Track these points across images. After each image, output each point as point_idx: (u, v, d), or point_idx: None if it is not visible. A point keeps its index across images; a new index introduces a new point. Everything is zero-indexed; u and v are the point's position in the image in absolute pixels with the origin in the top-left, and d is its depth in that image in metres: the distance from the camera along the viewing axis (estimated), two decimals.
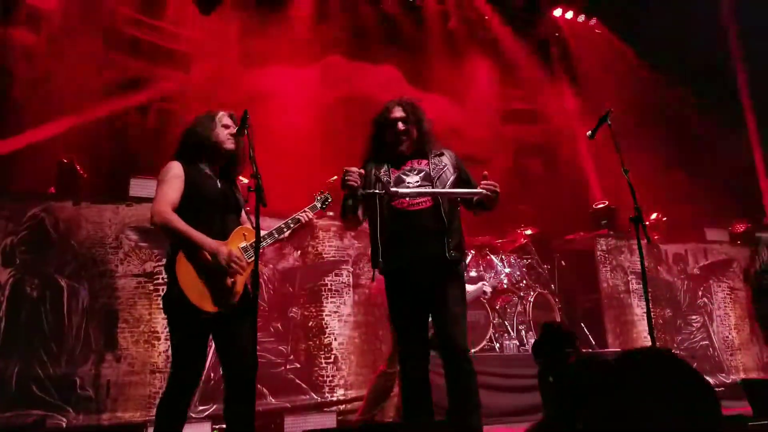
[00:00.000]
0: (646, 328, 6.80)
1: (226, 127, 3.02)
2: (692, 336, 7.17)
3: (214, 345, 3.05)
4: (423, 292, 2.92)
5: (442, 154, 3.12)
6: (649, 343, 6.71)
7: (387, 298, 3.05)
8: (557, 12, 8.79)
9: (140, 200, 4.64)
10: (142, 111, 6.70)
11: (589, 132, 3.61)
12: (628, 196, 3.45)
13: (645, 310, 6.86)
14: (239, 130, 2.84)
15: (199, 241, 2.81)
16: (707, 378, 5.02)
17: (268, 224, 3.00)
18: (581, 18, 8.75)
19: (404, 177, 3.00)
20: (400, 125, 3.09)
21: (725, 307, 7.41)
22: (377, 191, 2.88)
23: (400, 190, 2.88)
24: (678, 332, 7.10)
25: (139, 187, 4.72)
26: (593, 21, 8.84)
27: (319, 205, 3.31)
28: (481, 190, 2.91)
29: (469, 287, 4.22)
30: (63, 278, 4.38)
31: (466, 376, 2.82)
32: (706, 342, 7.22)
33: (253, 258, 2.90)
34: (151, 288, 4.37)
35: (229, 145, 3.00)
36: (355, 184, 2.90)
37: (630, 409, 1.08)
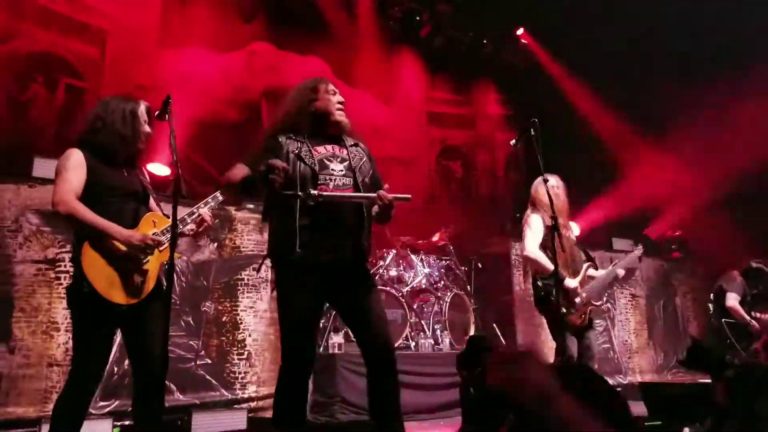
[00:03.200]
0: None
1: (143, 114, 2.89)
2: (596, 339, 7.54)
3: (120, 339, 2.93)
4: (336, 287, 2.73)
5: (357, 145, 2.95)
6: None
7: (286, 290, 2.72)
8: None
9: (44, 181, 4.32)
10: (49, 86, 6.26)
11: (513, 140, 3.73)
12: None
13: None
14: (160, 115, 2.70)
15: (108, 230, 2.69)
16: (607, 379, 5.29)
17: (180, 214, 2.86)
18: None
19: (328, 163, 2.76)
20: (340, 97, 2.87)
21: (626, 312, 7.86)
22: (300, 195, 2.57)
23: (324, 193, 2.61)
24: None
25: (44, 167, 4.38)
26: (521, 30, 9.08)
27: (221, 197, 3.15)
28: (374, 197, 2.70)
29: (600, 272, 4.32)
30: None
31: (395, 376, 2.70)
32: (608, 345, 7.62)
33: (164, 246, 2.81)
34: (53, 276, 4.08)
35: (142, 145, 2.89)
36: (278, 183, 2.51)
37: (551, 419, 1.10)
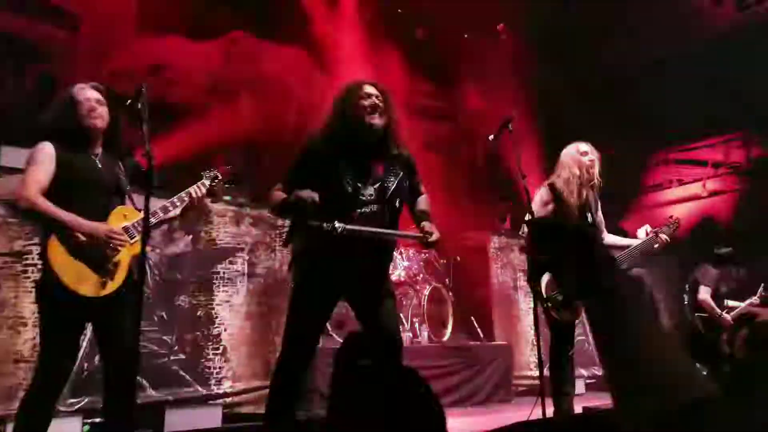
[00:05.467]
0: (531, 323, 7.19)
1: (88, 101, 2.80)
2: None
3: (91, 334, 2.88)
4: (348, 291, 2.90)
5: (399, 155, 2.90)
6: (532, 336, 7.10)
7: (303, 284, 2.87)
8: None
9: (12, 171, 4.17)
10: (18, 72, 6.07)
11: (491, 135, 3.72)
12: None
13: (530, 306, 7.26)
14: (132, 103, 2.62)
15: (70, 223, 2.64)
16: (582, 371, 5.26)
17: (153, 206, 2.78)
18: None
19: (360, 187, 2.75)
20: (374, 100, 2.82)
21: None
22: (325, 225, 2.59)
23: (348, 227, 2.63)
24: None
25: (12, 156, 4.24)
26: (500, 26, 9.06)
27: (207, 182, 3.18)
28: (419, 236, 2.87)
29: (632, 240, 4.05)
30: None
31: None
32: (583, 337, 7.67)
33: (135, 239, 2.78)
34: (20, 269, 3.95)
35: (94, 122, 2.80)
36: (305, 215, 2.61)
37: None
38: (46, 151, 2.70)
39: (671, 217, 4.30)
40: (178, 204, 3.01)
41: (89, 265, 2.68)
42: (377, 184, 2.80)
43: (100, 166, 2.83)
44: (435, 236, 2.82)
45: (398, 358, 2.74)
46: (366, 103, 2.80)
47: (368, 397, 1.20)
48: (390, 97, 2.91)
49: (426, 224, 2.87)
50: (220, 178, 3.21)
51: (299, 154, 2.87)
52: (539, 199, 3.94)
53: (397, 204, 2.85)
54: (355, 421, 1.17)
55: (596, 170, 3.97)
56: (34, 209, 2.62)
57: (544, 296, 3.86)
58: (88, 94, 2.83)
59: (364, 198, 2.75)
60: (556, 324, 3.88)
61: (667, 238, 4.05)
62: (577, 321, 3.94)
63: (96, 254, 2.70)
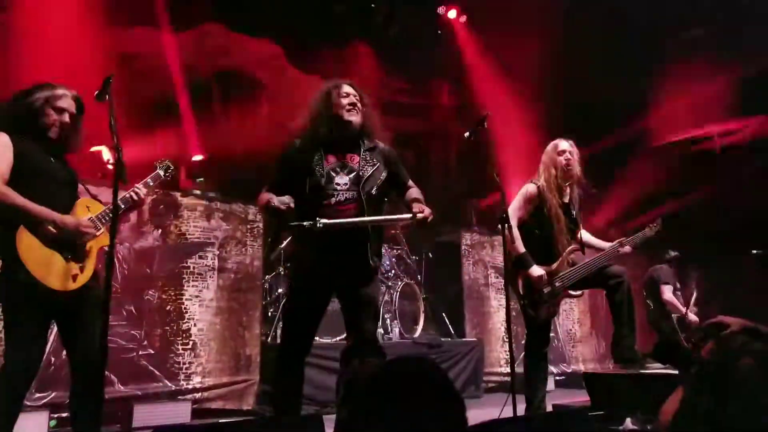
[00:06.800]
0: (501, 320, 7.28)
1: (60, 111, 2.77)
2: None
3: (57, 329, 2.84)
4: (338, 290, 2.98)
5: (375, 148, 3.05)
6: (503, 333, 7.17)
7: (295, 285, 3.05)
8: (441, 10, 8.91)
9: None
10: None
11: (467, 133, 3.70)
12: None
13: (500, 303, 7.34)
14: (99, 95, 2.58)
15: (40, 214, 2.60)
16: (551, 367, 5.30)
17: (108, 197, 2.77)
18: (463, 19, 8.93)
19: (333, 175, 2.90)
20: (352, 99, 3.00)
21: (570, 302, 8.02)
22: (305, 224, 2.72)
23: (329, 221, 2.74)
24: None
25: None
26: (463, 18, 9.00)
27: (162, 173, 3.15)
28: (408, 216, 2.92)
29: (604, 243, 4.03)
30: None
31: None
32: (553, 334, 7.79)
33: (101, 230, 2.78)
34: None
35: (55, 134, 2.79)
36: (286, 213, 2.75)
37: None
38: (4, 140, 2.64)
39: (656, 219, 4.28)
40: (138, 192, 2.97)
41: (57, 258, 2.64)
42: (352, 174, 2.92)
43: (52, 159, 2.79)
44: (426, 212, 2.90)
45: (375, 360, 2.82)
46: (344, 101, 2.98)
47: (386, 388, 1.19)
48: (366, 96, 3.10)
49: (417, 205, 2.97)
50: (172, 168, 3.19)
51: (281, 155, 3.04)
52: (521, 198, 3.92)
53: (373, 192, 2.93)
54: (374, 415, 1.16)
55: (575, 169, 3.94)
56: (5, 200, 2.55)
57: (521, 294, 3.83)
58: (61, 102, 2.79)
59: (339, 187, 2.88)
60: (533, 322, 3.84)
61: (629, 249, 4.06)
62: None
63: (67, 246, 2.67)
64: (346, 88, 3.04)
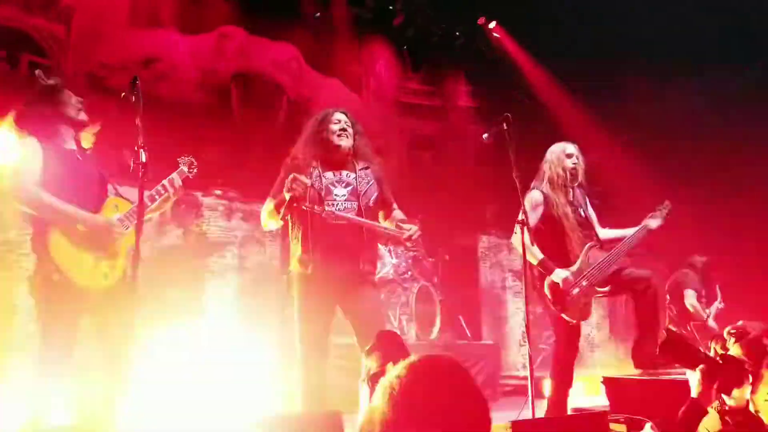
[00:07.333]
0: (518, 323, 7.25)
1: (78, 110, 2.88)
2: None
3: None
4: (336, 293, 3.13)
5: (368, 168, 3.31)
6: (520, 336, 7.15)
7: (302, 295, 3.19)
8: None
9: None
10: (12, 62, 6.02)
11: (485, 134, 3.69)
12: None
13: (518, 307, 7.32)
14: (127, 96, 2.63)
15: (74, 216, 2.67)
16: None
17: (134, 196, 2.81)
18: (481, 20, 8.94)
19: (332, 188, 3.16)
20: (343, 124, 3.26)
21: None
22: (317, 210, 3.00)
23: (338, 213, 3.03)
24: (546, 328, 7.53)
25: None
26: (493, 24, 9.06)
27: (186, 169, 3.15)
28: (400, 232, 3.14)
29: (625, 231, 3.95)
30: None
31: None
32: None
33: (129, 229, 2.82)
34: (13, 259, 3.95)
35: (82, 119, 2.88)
36: (299, 194, 2.99)
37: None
38: (32, 144, 2.71)
39: (663, 202, 4.13)
40: (162, 192, 3.00)
41: (89, 258, 2.70)
42: (350, 187, 3.20)
43: (80, 159, 2.86)
44: (412, 230, 3.14)
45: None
46: (335, 127, 3.25)
47: (420, 387, 1.22)
48: (357, 122, 3.38)
49: (405, 225, 3.21)
50: (195, 164, 3.20)
51: (283, 171, 3.26)
52: (528, 204, 3.82)
53: (370, 203, 3.21)
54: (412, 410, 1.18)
55: (580, 176, 3.96)
56: (42, 202, 2.62)
57: (551, 300, 3.74)
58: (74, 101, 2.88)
59: (338, 197, 3.15)
60: (564, 326, 3.76)
61: (654, 226, 3.96)
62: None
63: (97, 245, 2.72)
64: (338, 115, 3.30)
